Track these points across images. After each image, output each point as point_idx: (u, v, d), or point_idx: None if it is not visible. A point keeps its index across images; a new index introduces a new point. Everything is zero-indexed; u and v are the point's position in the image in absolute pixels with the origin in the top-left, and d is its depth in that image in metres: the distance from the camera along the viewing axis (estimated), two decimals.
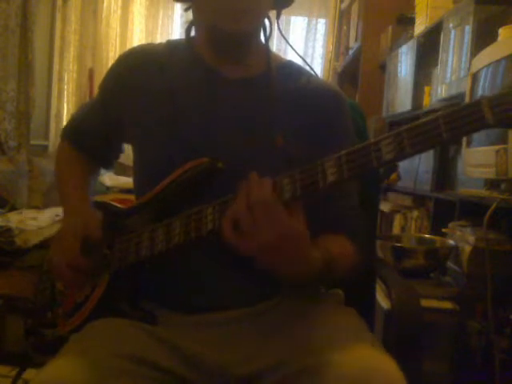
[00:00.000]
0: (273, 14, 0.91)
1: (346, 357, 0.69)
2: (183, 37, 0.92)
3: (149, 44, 0.97)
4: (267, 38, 0.90)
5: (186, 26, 0.91)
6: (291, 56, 1.01)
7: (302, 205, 0.68)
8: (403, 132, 0.60)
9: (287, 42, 1.01)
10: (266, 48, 0.90)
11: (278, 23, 0.91)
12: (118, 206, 0.93)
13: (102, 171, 1.21)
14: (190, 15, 0.89)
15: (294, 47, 1.00)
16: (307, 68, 0.95)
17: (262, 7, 0.83)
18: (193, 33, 0.91)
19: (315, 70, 0.95)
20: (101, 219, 0.88)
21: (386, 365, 0.69)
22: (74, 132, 1.02)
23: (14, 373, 1.59)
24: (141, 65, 0.90)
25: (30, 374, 1.53)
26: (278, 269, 0.71)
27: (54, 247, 0.90)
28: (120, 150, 1.04)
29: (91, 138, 0.98)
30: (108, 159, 1.05)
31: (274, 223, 0.65)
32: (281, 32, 0.96)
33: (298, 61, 0.97)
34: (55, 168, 1.04)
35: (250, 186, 0.66)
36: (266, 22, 0.89)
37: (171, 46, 0.93)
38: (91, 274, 0.86)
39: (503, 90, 0.56)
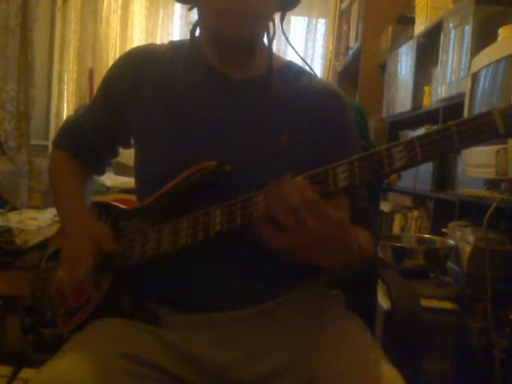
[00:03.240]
0: (276, 15, 0.90)
1: (353, 370, 0.70)
2: (183, 37, 0.92)
3: (150, 44, 0.96)
4: (271, 40, 0.89)
5: (190, 27, 0.90)
6: (291, 56, 1.01)
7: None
8: (415, 140, 0.61)
9: (290, 44, 1.00)
10: (268, 49, 0.90)
11: (282, 25, 0.91)
12: (122, 206, 0.93)
13: None
14: (191, 16, 0.89)
15: (295, 47, 1.00)
16: (308, 69, 0.95)
17: (266, 12, 0.82)
18: (197, 33, 0.91)
19: (315, 70, 0.95)
20: (109, 230, 0.85)
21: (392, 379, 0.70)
22: (71, 137, 1.00)
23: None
24: (143, 65, 0.89)
25: (29, 373, 1.53)
26: (324, 259, 0.69)
27: (63, 262, 0.87)
28: (115, 155, 1.03)
29: (89, 141, 0.97)
30: (103, 164, 1.04)
31: (323, 219, 0.63)
32: (284, 34, 0.96)
33: (299, 61, 0.97)
34: (50, 177, 1.01)
35: (285, 186, 0.64)
36: (270, 23, 0.89)
37: (174, 46, 0.92)
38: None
39: None
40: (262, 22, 0.84)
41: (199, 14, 0.86)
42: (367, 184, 0.65)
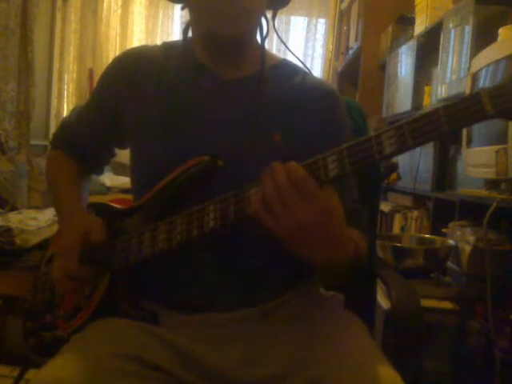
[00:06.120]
0: (269, 13, 0.91)
1: (352, 372, 0.70)
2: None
3: (143, 46, 0.97)
4: (263, 38, 0.90)
5: (183, 27, 0.91)
6: (291, 56, 1.02)
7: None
8: (404, 125, 0.61)
9: (282, 41, 1.01)
10: (261, 48, 0.90)
11: (273, 24, 0.91)
12: (117, 206, 0.93)
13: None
14: (188, 15, 0.89)
15: (295, 47, 1.01)
16: (302, 66, 0.95)
17: (256, 10, 0.83)
18: (190, 33, 0.91)
19: (315, 70, 0.96)
20: (101, 222, 0.87)
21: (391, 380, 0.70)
22: (67, 138, 1.00)
23: (14, 373, 1.59)
24: (136, 67, 0.90)
25: (31, 373, 1.53)
26: (313, 251, 0.67)
27: (57, 260, 0.88)
28: (112, 155, 1.04)
29: (85, 142, 0.98)
30: (100, 164, 1.05)
31: (312, 200, 0.63)
32: (276, 32, 0.96)
33: (294, 60, 0.97)
34: (47, 177, 1.03)
35: (277, 168, 0.64)
36: (264, 21, 0.89)
37: (167, 47, 0.93)
38: (92, 278, 0.86)
39: (502, 82, 0.57)
40: (252, 21, 0.84)
41: (190, 14, 0.87)
42: (359, 172, 0.64)
